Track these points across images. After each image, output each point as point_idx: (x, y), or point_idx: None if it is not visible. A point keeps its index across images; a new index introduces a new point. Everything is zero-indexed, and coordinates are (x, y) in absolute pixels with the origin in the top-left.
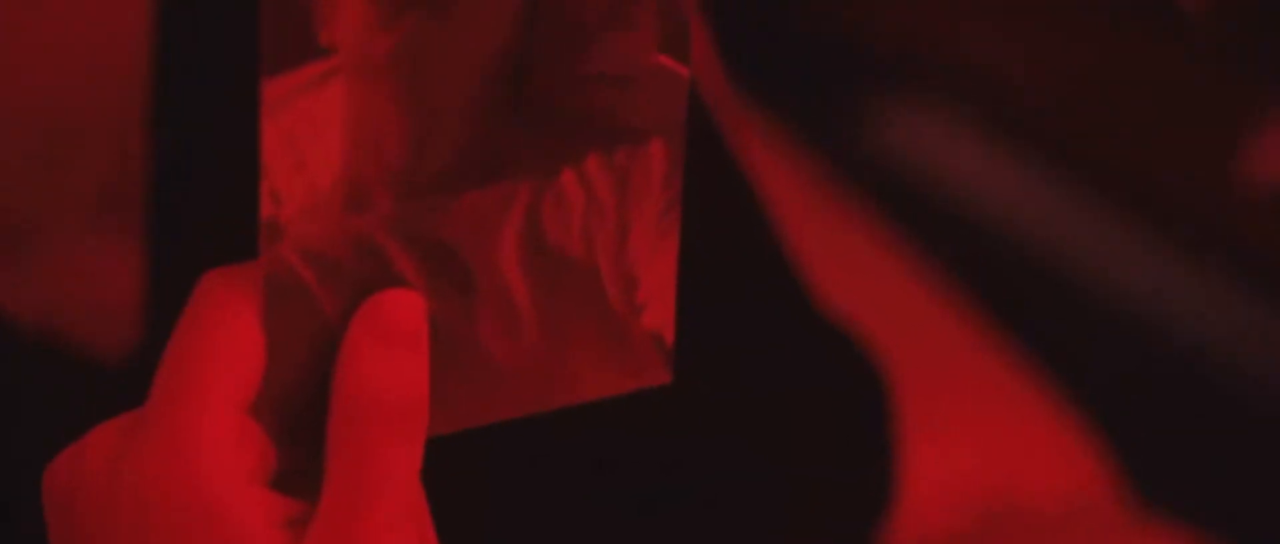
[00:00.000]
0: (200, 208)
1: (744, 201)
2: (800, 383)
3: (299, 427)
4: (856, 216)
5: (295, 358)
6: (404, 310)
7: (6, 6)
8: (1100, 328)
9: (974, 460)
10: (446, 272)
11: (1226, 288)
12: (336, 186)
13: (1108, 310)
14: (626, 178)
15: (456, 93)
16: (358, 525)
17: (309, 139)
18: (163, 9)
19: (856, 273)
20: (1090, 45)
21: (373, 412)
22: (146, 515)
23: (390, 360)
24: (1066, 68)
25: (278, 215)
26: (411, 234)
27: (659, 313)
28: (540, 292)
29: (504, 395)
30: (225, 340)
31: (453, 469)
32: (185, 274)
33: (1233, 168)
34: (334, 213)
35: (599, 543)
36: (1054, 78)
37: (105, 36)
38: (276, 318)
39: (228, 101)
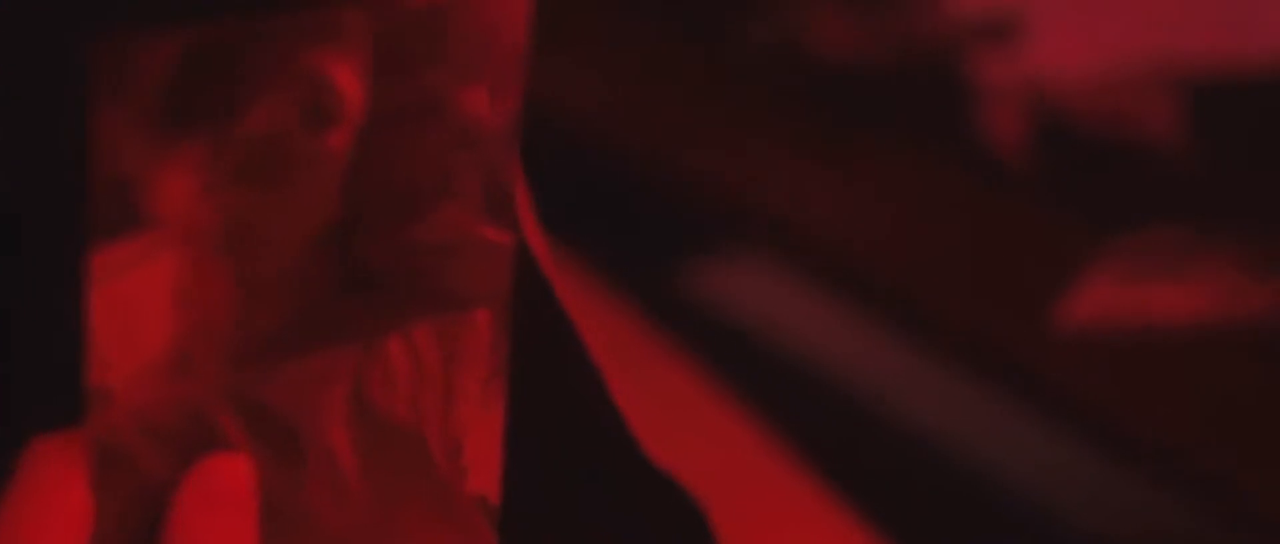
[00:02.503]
0: (28, 374)
1: (571, 357)
2: (629, 537)
3: None
4: (682, 367)
5: (124, 524)
6: (232, 476)
7: None
8: (922, 470)
9: None
10: (275, 438)
11: (1036, 428)
12: (165, 353)
13: (926, 452)
14: (453, 345)
15: (283, 261)
16: None
17: (138, 306)
18: None
19: (683, 423)
20: (912, 194)
21: None
22: None
23: (217, 526)
24: (887, 217)
25: (106, 382)
26: (240, 401)
27: (485, 477)
28: (368, 458)
29: None
30: (55, 508)
31: None
32: (13, 442)
33: (1050, 311)
34: (163, 380)
35: None
36: (874, 226)
37: None
38: (105, 485)
39: (57, 266)
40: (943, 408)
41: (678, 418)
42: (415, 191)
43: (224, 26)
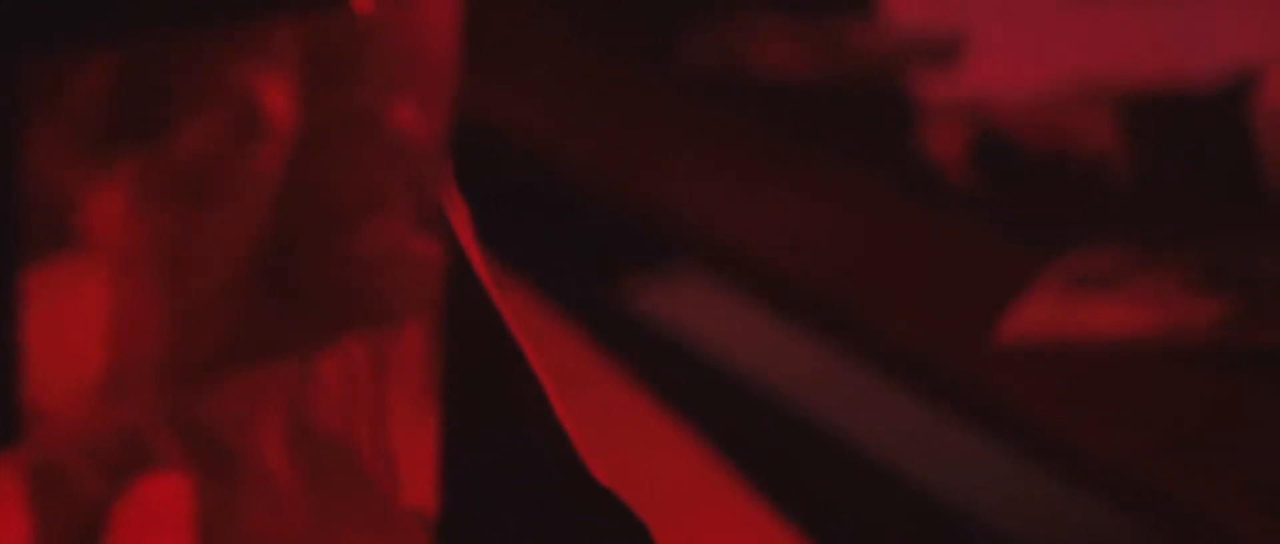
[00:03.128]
0: None
1: (513, 373)
2: None
3: None
4: (624, 384)
5: None
6: (169, 495)
7: None
8: (863, 487)
9: None
10: (211, 456)
11: (979, 443)
12: (101, 373)
13: (867, 468)
14: (385, 359)
15: (217, 279)
16: None
17: (72, 326)
18: None
19: (624, 439)
20: (854, 212)
21: None
22: None
23: None
24: (829, 235)
25: (42, 402)
26: (176, 420)
27: (421, 489)
28: (304, 472)
29: None
30: None
31: None
32: None
33: (993, 328)
34: (98, 399)
35: None
36: (816, 244)
37: None
38: (42, 505)
39: None
40: (885, 425)
41: (619, 434)
42: (347, 207)
43: (154, 46)
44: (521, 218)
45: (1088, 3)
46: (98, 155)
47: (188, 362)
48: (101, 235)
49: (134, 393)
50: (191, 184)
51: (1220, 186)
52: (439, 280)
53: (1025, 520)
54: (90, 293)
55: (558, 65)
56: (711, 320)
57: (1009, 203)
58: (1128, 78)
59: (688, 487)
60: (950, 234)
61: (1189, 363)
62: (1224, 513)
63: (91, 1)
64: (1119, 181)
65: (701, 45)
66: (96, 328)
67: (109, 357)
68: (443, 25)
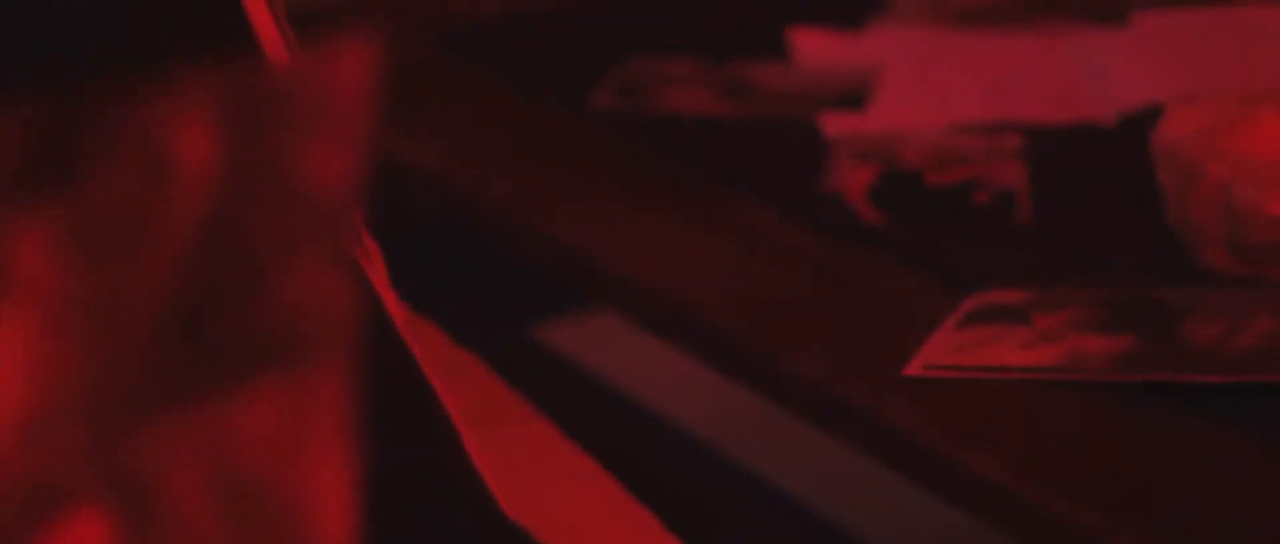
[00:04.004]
0: None
1: (427, 416)
2: None
3: None
4: (537, 426)
5: None
6: (87, 538)
7: None
8: (778, 524)
9: None
10: (131, 498)
11: (887, 478)
12: (20, 418)
13: (781, 505)
14: (303, 401)
15: (135, 325)
16: None
17: None
18: None
19: (538, 481)
20: (765, 252)
21: None
22: None
23: None
24: (741, 274)
25: None
26: (95, 462)
27: (339, 530)
28: (224, 514)
29: None
30: None
31: None
32: None
33: (900, 365)
34: (17, 445)
35: None
36: (727, 284)
37: None
38: None
39: None
40: (796, 461)
41: (533, 474)
42: (264, 253)
43: (70, 96)
44: (436, 261)
45: (991, 42)
46: (16, 202)
47: (107, 405)
48: (22, 281)
49: (54, 438)
50: (110, 232)
51: (1122, 222)
52: (355, 325)
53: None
54: (10, 338)
55: (471, 109)
56: (624, 359)
57: (915, 240)
58: (1031, 115)
59: (601, 525)
60: (857, 271)
61: (1089, 397)
62: (1115, 539)
63: (5, 52)
64: (1023, 218)
65: (614, 87)
66: (16, 373)
67: (29, 402)
68: (359, 74)
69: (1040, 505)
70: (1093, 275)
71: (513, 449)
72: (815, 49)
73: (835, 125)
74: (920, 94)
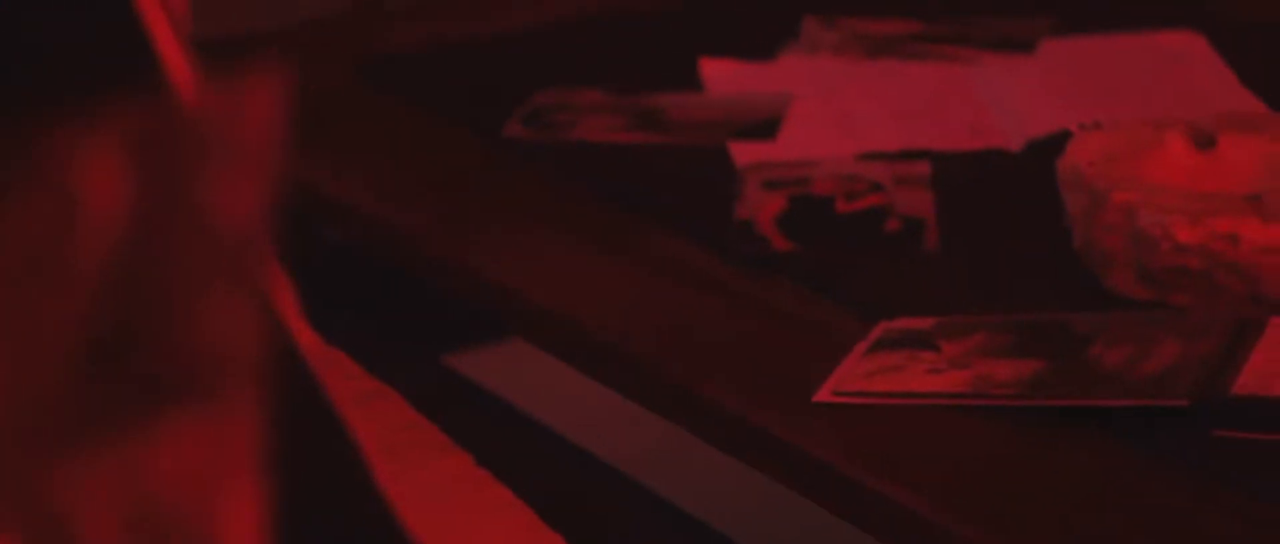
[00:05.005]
0: None
1: (339, 448)
2: None
3: None
4: (452, 457)
5: None
6: None
7: None
8: None
9: None
10: (47, 532)
11: (799, 503)
12: None
13: (692, 531)
14: (214, 434)
15: (49, 361)
16: None
17: None
18: None
19: (453, 512)
20: (679, 281)
21: None
22: None
23: None
24: (655, 303)
25: None
26: (11, 496)
27: None
28: None
29: None
30: None
31: None
32: None
33: (811, 392)
34: None
35: None
36: (641, 313)
37: None
38: None
39: None
40: (711, 488)
41: (448, 504)
42: (174, 288)
43: None
44: (350, 290)
45: (900, 70)
46: None
47: (22, 438)
48: None
49: None
50: (19, 267)
51: (1029, 248)
52: (265, 358)
53: None
54: None
55: (386, 139)
56: (539, 388)
57: (825, 267)
58: (939, 143)
59: None
60: (769, 299)
61: (997, 421)
62: None
63: None
64: (931, 245)
65: (528, 118)
66: None
67: None
68: (267, 106)
69: (950, 530)
70: (1000, 301)
71: (427, 479)
72: (726, 78)
73: (746, 154)
74: (830, 123)
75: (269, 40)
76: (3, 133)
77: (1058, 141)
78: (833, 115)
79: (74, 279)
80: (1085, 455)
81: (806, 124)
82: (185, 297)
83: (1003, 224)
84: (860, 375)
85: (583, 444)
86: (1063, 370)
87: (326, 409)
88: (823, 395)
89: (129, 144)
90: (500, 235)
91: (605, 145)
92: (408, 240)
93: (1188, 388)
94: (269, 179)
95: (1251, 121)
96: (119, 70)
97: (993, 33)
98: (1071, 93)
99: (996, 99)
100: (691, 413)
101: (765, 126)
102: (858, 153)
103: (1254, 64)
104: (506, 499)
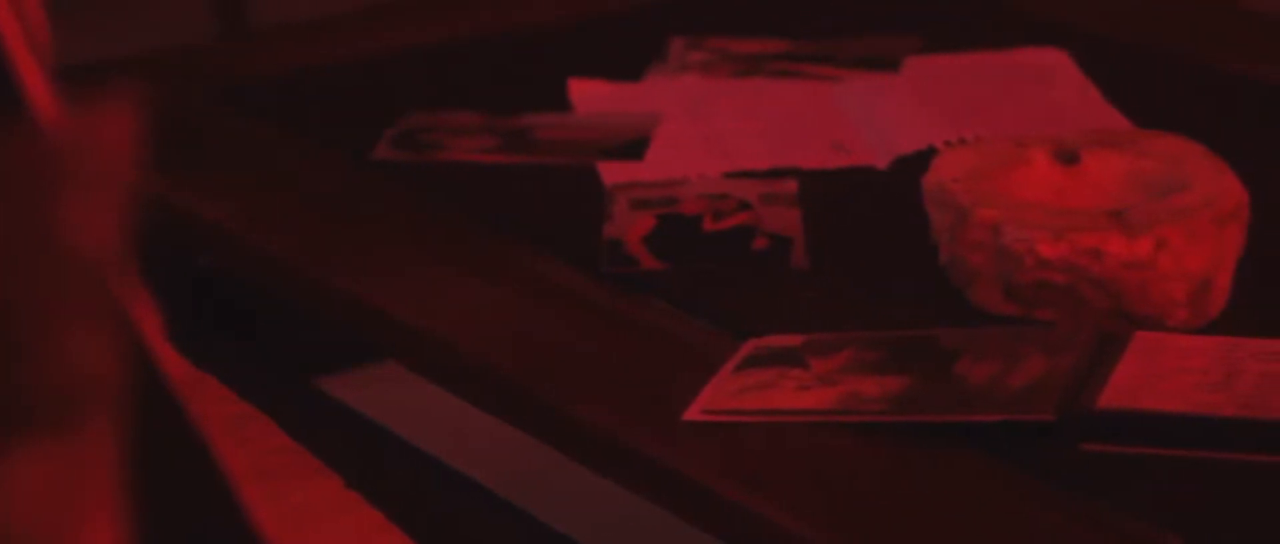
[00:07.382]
0: None
1: (205, 474)
2: None
3: None
4: (321, 479)
5: None
6: None
7: None
8: None
9: None
10: None
11: (670, 522)
12: None
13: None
14: (74, 461)
15: None
16: None
17: None
18: None
19: (322, 532)
20: (549, 301)
21: None
22: None
23: None
24: (523, 323)
25: None
26: None
27: None
28: None
29: None
30: None
31: None
32: None
33: (680, 411)
34: None
35: None
36: (510, 333)
37: None
38: None
39: None
40: (584, 507)
41: (318, 528)
42: (30, 316)
43: None
44: (218, 314)
45: (766, 89)
46: None
47: None
48: None
49: None
50: None
51: (896, 264)
52: (126, 384)
53: None
54: None
55: (253, 162)
56: (409, 410)
57: (694, 286)
58: (806, 161)
59: None
60: (639, 317)
61: (866, 437)
62: None
63: None
64: (799, 262)
65: (396, 139)
66: None
67: None
68: (124, 132)
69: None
70: (868, 318)
71: (298, 502)
72: (594, 99)
73: (614, 174)
74: (697, 142)
75: (134, 66)
76: None
77: (924, 159)
78: (700, 134)
79: None
80: (954, 470)
81: (674, 143)
82: (41, 324)
83: (870, 241)
84: (730, 393)
85: (455, 466)
86: (930, 386)
87: (191, 434)
88: (693, 414)
89: None
90: (370, 258)
91: (474, 166)
92: (277, 264)
93: (1055, 402)
94: (125, 205)
95: (1115, 138)
96: None
97: (859, 52)
98: (937, 110)
99: (863, 117)
100: (562, 433)
101: (633, 146)
102: (725, 171)
103: (1118, 81)
104: (378, 522)
